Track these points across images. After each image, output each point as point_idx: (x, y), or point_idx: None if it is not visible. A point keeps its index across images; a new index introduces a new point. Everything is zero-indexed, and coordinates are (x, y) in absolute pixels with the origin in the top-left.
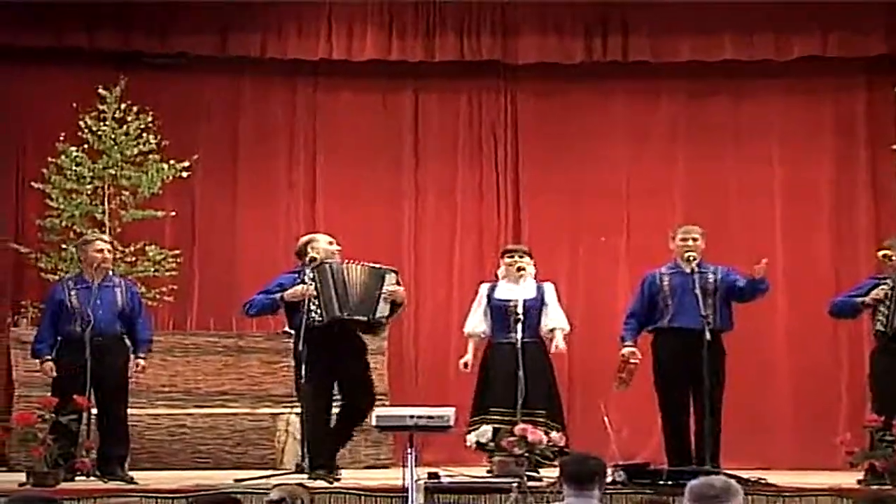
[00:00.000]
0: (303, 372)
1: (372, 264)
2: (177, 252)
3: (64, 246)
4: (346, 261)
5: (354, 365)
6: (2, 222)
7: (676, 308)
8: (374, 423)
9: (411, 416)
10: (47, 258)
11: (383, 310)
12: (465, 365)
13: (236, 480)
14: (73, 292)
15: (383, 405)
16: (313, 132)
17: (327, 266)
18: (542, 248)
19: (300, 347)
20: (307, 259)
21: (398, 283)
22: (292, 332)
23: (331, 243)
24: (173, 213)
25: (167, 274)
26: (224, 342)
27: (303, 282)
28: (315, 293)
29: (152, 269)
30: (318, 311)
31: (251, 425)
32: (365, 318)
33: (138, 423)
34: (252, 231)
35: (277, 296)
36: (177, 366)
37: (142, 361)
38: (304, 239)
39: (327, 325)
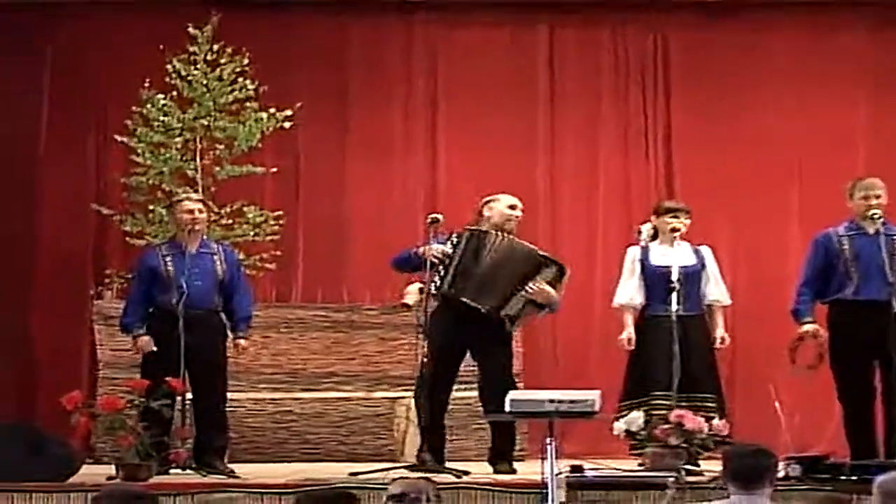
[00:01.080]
0: (424, 347)
1: (534, 248)
2: (279, 213)
3: (151, 207)
4: (504, 233)
5: (490, 348)
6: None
7: (862, 276)
8: (507, 408)
9: (551, 401)
10: (133, 221)
11: (515, 306)
12: (629, 341)
13: (351, 474)
14: (167, 259)
15: (516, 387)
16: (433, 75)
17: (470, 232)
18: (698, 204)
19: (419, 319)
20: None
21: (556, 285)
22: (411, 303)
23: (512, 207)
24: (274, 170)
25: (268, 238)
26: (334, 316)
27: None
28: (443, 259)
29: (251, 233)
30: (440, 280)
31: (367, 411)
32: (480, 308)
33: (238, 408)
34: (364, 188)
35: (417, 249)
36: (280, 343)
37: (243, 342)
38: (486, 199)
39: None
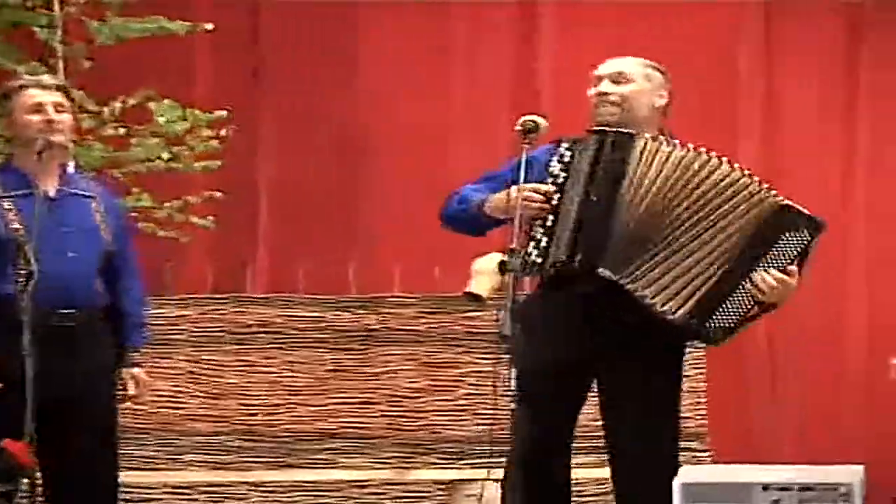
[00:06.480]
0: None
1: (752, 180)
2: (220, 114)
3: None
4: (664, 139)
5: (640, 375)
6: None
7: None
8: (676, 498)
9: (766, 487)
10: None
11: (735, 310)
12: None
13: None
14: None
15: (696, 460)
16: None
17: (595, 139)
18: None
19: (506, 325)
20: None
21: (799, 257)
22: (483, 293)
23: (598, 79)
24: (209, 27)
25: (199, 167)
26: (331, 320)
27: (547, 174)
28: (548, 204)
29: (164, 157)
30: (541, 242)
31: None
32: (657, 308)
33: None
34: (393, 67)
35: (480, 199)
36: (225, 375)
37: (140, 371)
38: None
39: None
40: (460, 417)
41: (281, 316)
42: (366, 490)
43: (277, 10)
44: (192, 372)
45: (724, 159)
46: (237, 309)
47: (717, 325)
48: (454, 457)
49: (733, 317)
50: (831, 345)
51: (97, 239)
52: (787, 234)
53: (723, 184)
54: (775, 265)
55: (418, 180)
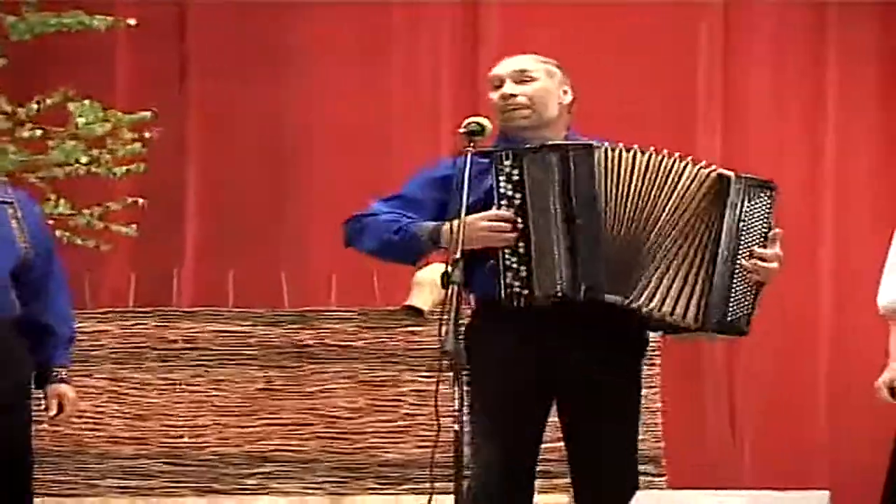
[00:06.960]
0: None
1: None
2: (143, 115)
3: None
4: (619, 145)
5: (606, 395)
6: None
7: None
8: None
9: None
10: None
11: (745, 297)
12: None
13: None
14: None
15: (651, 485)
16: None
17: (554, 156)
18: None
19: (449, 341)
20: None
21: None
22: (425, 307)
23: (496, 87)
24: (132, 22)
25: (119, 172)
26: (261, 336)
27: (498, 196)
28: (516, 231)
29: (83, 161)
30: (520, 272)
31: None
32: (679, 322)
33: None
34: (319, 61)
35: (427, 229)
36: (147, 396)
37: (67, 389)
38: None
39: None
40: (400, 439)
41: (208, 331)
42: None
43: (205, 5)
44: (112, 391)
45: (689, 157)
46: (161, 324)
47: (737, 315)
48: (394, 481)
49: (746, 302)
50: (794, 363)
51: (13, 246)
52: (749, 204)
53: (693, 180)
54: (754, 238)
55: (354, 184)
